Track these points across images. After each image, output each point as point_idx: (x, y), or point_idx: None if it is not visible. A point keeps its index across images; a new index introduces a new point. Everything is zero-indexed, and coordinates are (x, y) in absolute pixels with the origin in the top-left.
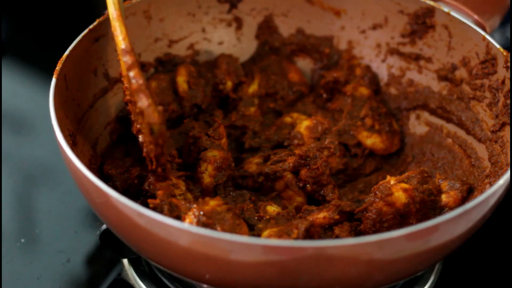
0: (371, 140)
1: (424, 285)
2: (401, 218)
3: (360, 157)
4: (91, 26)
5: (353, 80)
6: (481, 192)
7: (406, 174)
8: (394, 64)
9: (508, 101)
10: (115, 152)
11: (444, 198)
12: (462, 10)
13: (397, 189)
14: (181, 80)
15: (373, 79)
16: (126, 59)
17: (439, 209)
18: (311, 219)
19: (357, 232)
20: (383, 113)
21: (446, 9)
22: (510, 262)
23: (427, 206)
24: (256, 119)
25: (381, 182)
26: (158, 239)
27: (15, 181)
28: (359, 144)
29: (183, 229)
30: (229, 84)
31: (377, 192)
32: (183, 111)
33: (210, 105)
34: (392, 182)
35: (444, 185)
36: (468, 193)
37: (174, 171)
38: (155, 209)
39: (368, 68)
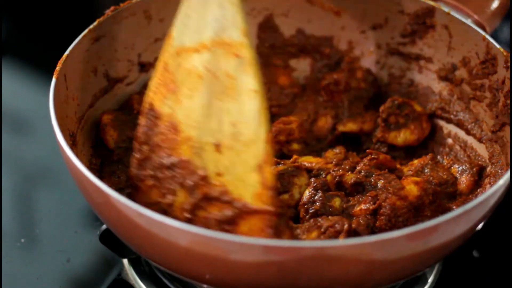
0: (402, 138)
1: (424, 285)
2: (416, 211)
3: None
4: (91, 26)
5: (353, 82)
6: (482, 192)
7: (416, 161)
8: (395, 64)
9: (508, 101)
10: (113, 155)
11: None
12: (462, 10)
13: (408, 182)
14: None
15: (374, 82)
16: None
17: (453, 197)
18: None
19: (373, 230)
20: (401, 102)
21: (446, 9)
22: (510, 262)
23: (440, 196)
24: None
25: (389, 177)
26: (158, 239)
27: (15, 181)
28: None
29: (183, 229)
30: None
31: (388, 187)
32: None
33: None
34: (405, 170)
35: (455, 171)
36: (480, 175)
37: None
38: None
39: (369, 71)
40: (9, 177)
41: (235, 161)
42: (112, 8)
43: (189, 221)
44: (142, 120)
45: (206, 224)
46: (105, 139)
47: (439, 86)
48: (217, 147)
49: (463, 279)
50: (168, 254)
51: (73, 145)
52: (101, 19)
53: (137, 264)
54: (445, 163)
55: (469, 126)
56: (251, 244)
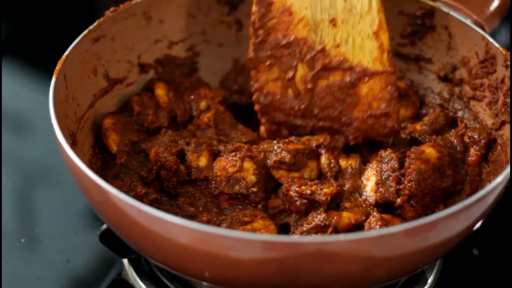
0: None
1: (424, 285)
2: (439, 172)
3: None
4: (91, 27)
5: None
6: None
7: (425, 119)
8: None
9: (508, 100)
10: (116, 159)
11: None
12: (461, 10)
13: (426, 146)
14: (161, 93)
15: None
16: None
17: (463, 162)
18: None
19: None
20: None
21: (445, 10)
22: (510, 260)
23: (455, 157)
24: None
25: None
26: (158, 236)
27: (15, 181)
28: None
29: (182, 226)
30: (203, 104)
31: (411, 154)
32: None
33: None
34: (418, 127)
35: (466, 138)
36: (487, 148)
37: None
38: None
39: None
40: (9, 177)
41: (352, 32)
42: (112, 9)
43: (310, 91)
44: (254, 8)
45: (328, 91)
46: (107, 144)
47: (438, 86)
48: (332, 22)
49: (463, 277)
50: (168, 251)
51: (73, 145)
52: (101, 19)
53: (137, 264)
54: (458, 127)
55: (468, 125)
56: (251, 240)
